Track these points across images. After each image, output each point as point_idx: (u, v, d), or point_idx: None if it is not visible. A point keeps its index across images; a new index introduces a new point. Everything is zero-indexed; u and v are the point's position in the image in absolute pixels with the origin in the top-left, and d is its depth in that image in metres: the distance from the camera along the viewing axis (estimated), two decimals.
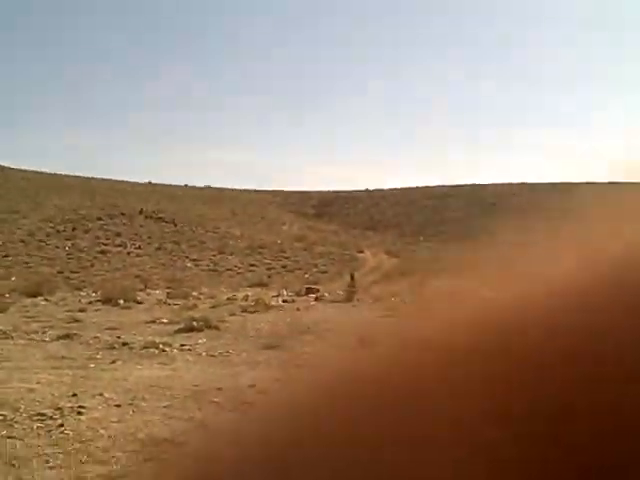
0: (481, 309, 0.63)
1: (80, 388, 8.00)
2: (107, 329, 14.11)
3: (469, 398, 0.46)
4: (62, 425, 6.36)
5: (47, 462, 5.26)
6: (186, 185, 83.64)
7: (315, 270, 41.44)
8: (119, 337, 12.89)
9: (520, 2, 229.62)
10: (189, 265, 41.97)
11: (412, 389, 0.53)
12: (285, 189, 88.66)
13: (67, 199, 56.82)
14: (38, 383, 8.25)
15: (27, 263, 38.17)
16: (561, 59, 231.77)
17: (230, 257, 44.59)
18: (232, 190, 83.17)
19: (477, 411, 0.45)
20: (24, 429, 6.24)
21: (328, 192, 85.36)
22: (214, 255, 45.16)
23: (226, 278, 36.80)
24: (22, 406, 7.00)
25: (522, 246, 0.80)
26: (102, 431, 6.22)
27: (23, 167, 73.79)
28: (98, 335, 13.14)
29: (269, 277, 37.02)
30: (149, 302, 21.05)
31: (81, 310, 18.04)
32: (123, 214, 53.45)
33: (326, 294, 26.26)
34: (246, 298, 22.36)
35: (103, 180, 76.11)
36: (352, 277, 26.68)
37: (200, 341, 12.76)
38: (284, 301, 23.07)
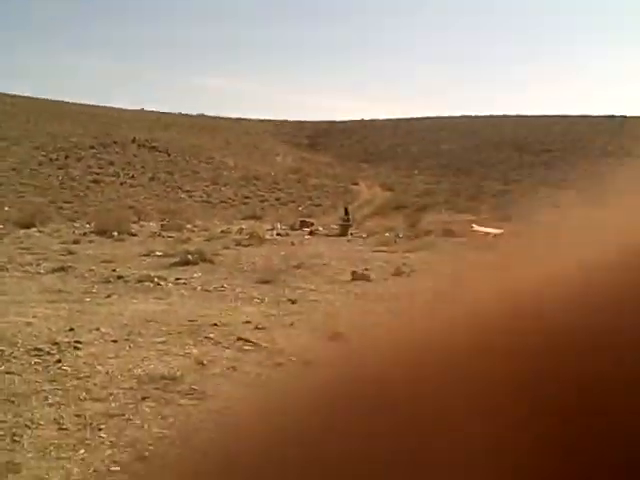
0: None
1: (77, 322, 8.06)
2: (102, 262, 14.14)
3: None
4: (60, 361, 6.43)
5: (46, 399, 5.35)
6: (180, 113, 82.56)
7: (309, 203, 41.42)
8: (114, 270, 12.92)
9: None
10: (183, 196, 41.84)
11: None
12: (279, 119, 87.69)
13: (59, 126, 56.04)
14: (35, 317, 8.30)
15: (20, 192, 37.94)
16: None
17: (224, 188, 44.42)
18: (226, 119, 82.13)
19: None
20: (22, 364, 6.31)
21: (322, 122, 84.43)
22: (207, 186, 44.98)
23: (220, 210, 36.76)
24: (19, 341, 7.06)
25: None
26: (99, 367, 6.30)
27: (12, 92, 72.48)
28: (93, 268, 13.17)
29: (263, 210, 37.02)
30: (143, 234, 21.04)
31: (75, 242, 18.02)
32: (116, 142, 52.88)
33: (320, 228, 26.32)
34: (240, 231, 22.38)
35: (95, 107, 74.86)
36: (346, 211, 26.66)
37: (195, 275, 12.83)
38: (278, 234, 23.14)
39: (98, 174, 44.72)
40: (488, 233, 22.32)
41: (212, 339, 7.62)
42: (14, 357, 6.52)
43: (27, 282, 11.55)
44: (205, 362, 6.62)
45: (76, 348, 6.91)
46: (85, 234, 20.35)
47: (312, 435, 0.51)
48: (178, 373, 6.14)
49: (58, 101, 73.51)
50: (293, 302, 10.25)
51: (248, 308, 9.78)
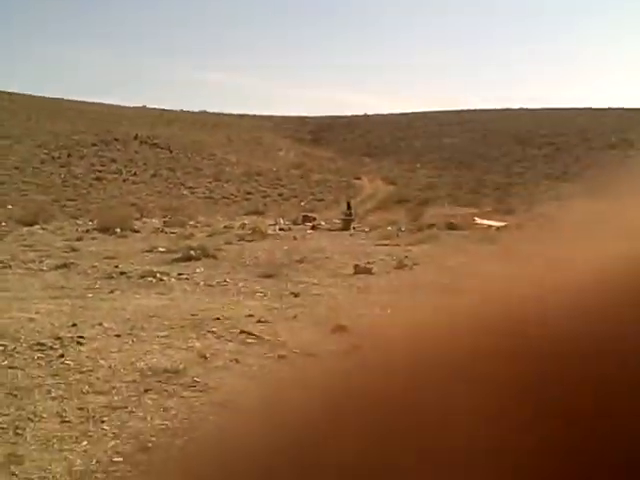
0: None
1: (79, 318, 8.08)
2: (105, 258, 14.16)
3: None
4: (62, 355, 6.45)
5: (49, 392, 5.36)
6: (182, 110, 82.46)
7: (312, 198, 41.40)
8: (117, 266, 12.95)
9: None
10: (185, 193, 41.85)
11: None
12: (281, 114, 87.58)
13: (60, 124, 56.04)
14: (37, 313, 8.32)
15: (23, 191, 37.99)
16: None
17: (226, 185, 44.41)
18: (228, 115, 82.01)
19: None
20: (25, 359, 6.33)
21: (324, 117, 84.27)
22: (210, 182, 44.97)
23: (222, 206, 36.78)
24: (22, 336, 7.08)
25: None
26: (102, 361, 6.32)
27: (12, 90, 72.43)
28: (96, 264, 13.20)
29: (265, 205, 37.03)
30: (146, 230, 21.07)
31: (78, 239, 18.07)
32: (117, 140, 52.86)
33: (323, 222, 26.32)
34: (243, 226, 22.40)
35: (96, 104, 74.83)
36: (349, 205, 26.68)
37: (197, 270, 12.84)
38: (281, 229, 23.14)
39: (100, 171, 44.74)
40: (491, 226, 22.31)
41: (215, 333, 7.63)
42: (17, 352, 6.54)
43: (30, 279, 11.58)
44: (208, 355, 6.63)
45: (79, 343, 6.93)
46: (88, 231, 20.38)
47: (313, 431, 0.51)
48: (181, 366, 6.15)
49: (59, 99, 73.43)
50: (296, 296, 10.26)
51: (251, 302, 9.79)
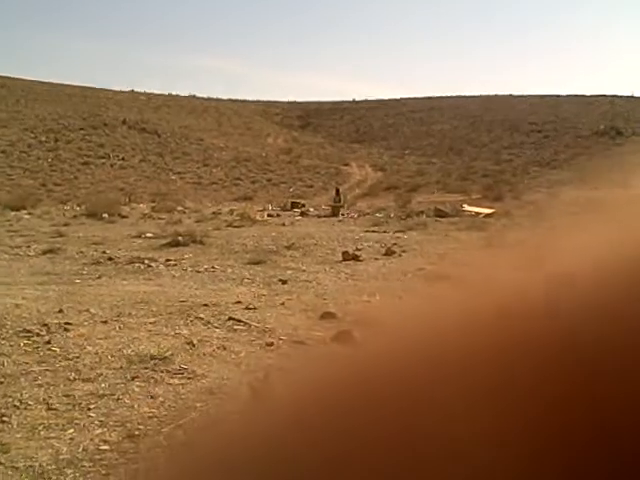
0: None
1: (66, 304, 8.03)
2: (92, 244, 14.10)
3: None
4: (49, 342, 6.41)
5: (35, 380, 5.33)
6: (170, 94, 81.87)
7: (300, 184, 41.32)
8: (104, 252, 12.89)
9: None
10: (173, 178, 41.66)
11: None
12: (270, 99, 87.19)
13: (48, 108, 55.55)
14: (24, 299, 8.26)
15: (9, 175, 37.69)
16: None
17: (215, 170, 44.25)
18: (217, 100, 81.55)
19: None
20: (11, 346, 6.29)
21: (313, 102, 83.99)
22: (198, 167, 44.79)
23: (211, 192, 36.65)
24: (8, 322, 7.02)
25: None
26: (89, 348, 6.29)
27: None
28: (83, 250, 13.13)
29: (254, 191, 36.92)
30: (134, 216, 21.00)
31: (65, 224, 17.98)
32: (106, 124, 52.48)
33: (311, 209, 26.30)
34: (231, 212, 22.36)
35: (84, 88, 74.15)
36: (337, 192, 26.67)
37: (186, 256, 12.80)
38: (269, 215, 23.12)
39: (88, 156, 44.44)
40: (479, 213, 22.37)
41: (203, 319, 7.61)
42: (3, 339, 6.50)
43: (17, 264, 11.51)
44: (195, 342, 6.61)
45: (66, 329, 6.88)
46: (75, 216, 20.29)
47: (303, 417, 0.50)
48: (168, 353, 6.13)
49: (46, 82, 72.73)
50: (284, 282, 10.25)
51: (239, 288, 9.77)
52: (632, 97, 67.54)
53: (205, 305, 8.27)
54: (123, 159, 45.09)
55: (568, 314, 0.39)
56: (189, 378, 5.53)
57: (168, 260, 12.19)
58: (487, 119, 62.61)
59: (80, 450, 4.11)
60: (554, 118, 59.20)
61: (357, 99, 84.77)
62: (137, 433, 4.34)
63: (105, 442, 4.23)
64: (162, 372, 5.64)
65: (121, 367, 5.73)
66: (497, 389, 0.39)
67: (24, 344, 6.36)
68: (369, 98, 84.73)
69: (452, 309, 0.49)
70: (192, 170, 43.96)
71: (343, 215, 23.91)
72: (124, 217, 20.45)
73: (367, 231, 17.84)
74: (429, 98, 78.95)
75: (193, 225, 17.88)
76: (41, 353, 6.10)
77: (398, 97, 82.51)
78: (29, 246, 13.50)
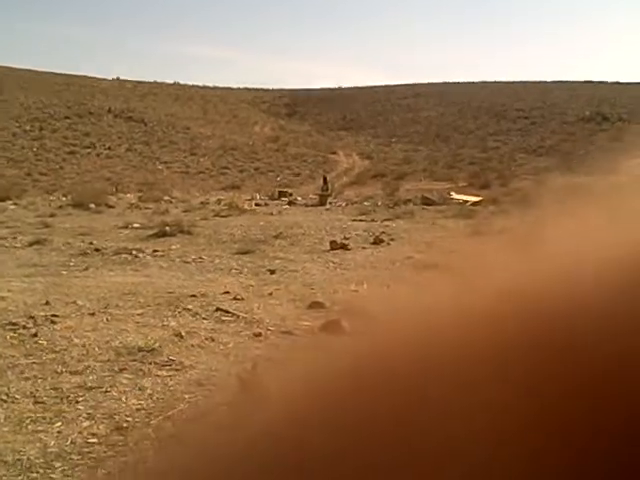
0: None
1: (53, 296, 7.99)
2: (79, 235, 14.02)
3: None
4: (36, 335, 6.38)
5: (22, 373, 5.31)
6: (155, 81, 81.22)
7: (288, 172, 41.22)
8: (91, 243, 12.83)
9: None
10: (160, 167, 41.44)
11: None
12: (257, 87, 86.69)
13: (33, 97, 54.99)
14: (10, 291, 8.21)
15: None
16: None
17: (202, 159, 44.06)
18: (203, 88, 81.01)
19: None
20: None
21: (301, 90, 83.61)
22: (185, 157, 44.57)
23: (198, 181, 36.50)
24: None
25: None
26: (76, 340, 6.26)
27: None
28: (70, 241, 13.06)
29: (242, 180, 36.81)
30: (121, 206, 20.90)
31: (51, 215, 17.85)
32: (91, 113, 52.06)
33: (299, 198, 26.27)
34: (219, 202, 22.29)
35: (69, 76, 73.42)
36: (325, 180, 26.68)
37: (173, 247, 12.76)
38: (257, 205, 23.07)
39: (74, 145, 44.11)
40: (466, 201, 22.42)
41: (190, 310, 7.60)
42: None
43: (2, 256, 11.42)
44: (183, 333, 6.60)
45: (52, 322, 6.85)
46: (62, 207, 20.15)
47: (296, 412, 0.50)
48: (156, 345, 6.12)
49: (30, 70, 71.95)
50: (272, 272, 10.24)
51: (227, 279, 9.75)
52: (618, 83, 67.84)
53: (193, 296, 8.25)
54: (109, 148, 44.80)
55: (562, 307, 0.40)
56: (177, 370, 5.53)
57: (155, 251, 12.14)
58: (474, 105, 62.61)
59: (68, 443, 4.11)
60: (541, 104, 59.31)
61: (344, 86, 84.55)
62: (125, 425, 4.34)
63: (93, 435, 4.22)
64: (150, 364, 5.63)
65: (109, 359, 5.71)
66: (493, 387, 0.40)
67: (10, 337, 6.32)
68: (356, 85, 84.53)
69: (444, 302, 0.50)
70: (179, 159, 43.76)
71: (331, 204, 23.90)
72: (111, 207, 20.34)
73: (355, 220, 17.85)
74: (415, 84, 78.81)
75: (180, 215, 17.82)
76: (28, 346, 6.07)
77: (384, 84, 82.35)
78: (15, 237, 13.41)
